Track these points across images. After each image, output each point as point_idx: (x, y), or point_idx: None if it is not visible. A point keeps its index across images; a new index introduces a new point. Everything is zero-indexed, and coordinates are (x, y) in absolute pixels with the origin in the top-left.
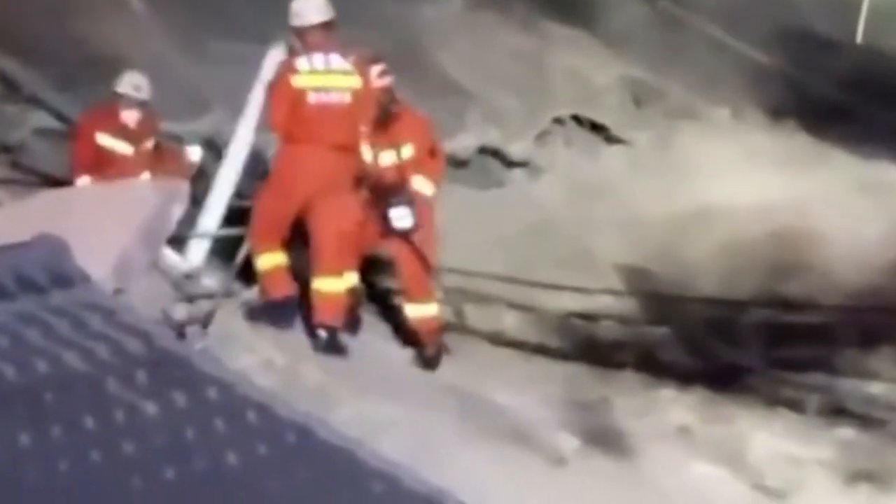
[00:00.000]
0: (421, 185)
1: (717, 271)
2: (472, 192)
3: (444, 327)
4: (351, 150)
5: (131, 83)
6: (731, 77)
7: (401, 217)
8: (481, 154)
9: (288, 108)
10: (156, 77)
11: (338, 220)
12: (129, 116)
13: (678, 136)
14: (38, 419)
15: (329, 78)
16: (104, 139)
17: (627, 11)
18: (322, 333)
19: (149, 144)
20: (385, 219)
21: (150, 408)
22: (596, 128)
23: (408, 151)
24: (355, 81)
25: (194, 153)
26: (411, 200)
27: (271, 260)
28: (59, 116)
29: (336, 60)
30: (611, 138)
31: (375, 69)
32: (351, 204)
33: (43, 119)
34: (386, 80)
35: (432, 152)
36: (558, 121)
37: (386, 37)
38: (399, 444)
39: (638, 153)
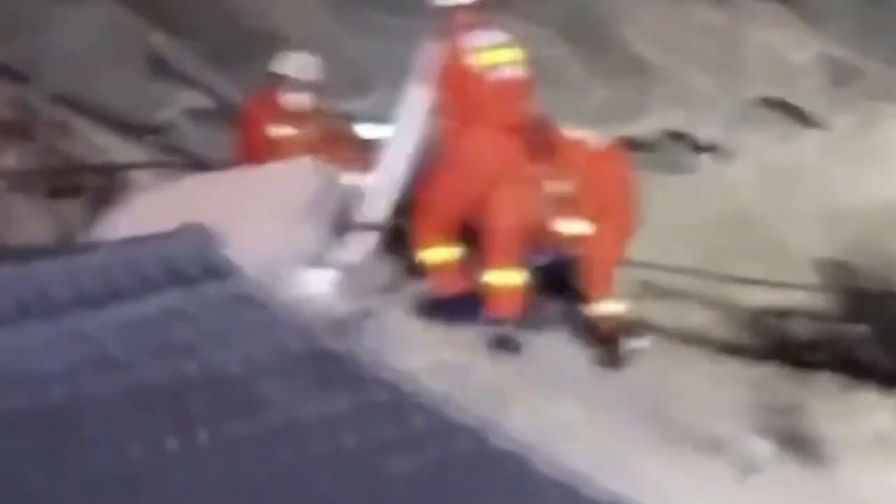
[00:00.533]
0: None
1: None
2: (657, 178)
3: (628, 325)
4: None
5: (297, 64)
6: None
7: None
8: (667, 137)
9: (459, 92)
10: (313, 52)
11: (516, 207)
12: (295, 100)
13: (880, 118)
14: (186, 423)
15: (498, 54)
16: (272, 129)
17: None
18: (497, 330)
19: (319, 129)
20: None
21: (309, 411)
22: (791, 110)
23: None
24: (520, 53)
25: (365, 132)
26: None
27: (442, 254)
28: (212, 95)
29: (498, 35)
30: (807, 121)
31: None
32: (529, 190)
33: (193, 98)
34: None
35: None
36: (751, 102)
37: (563, 10)
38: (577, 449)
39: (836, 137)
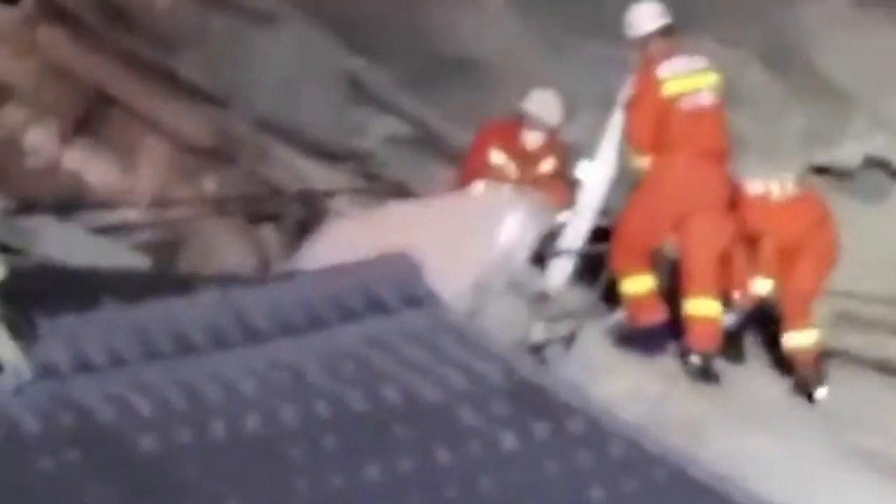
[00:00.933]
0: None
1: None
2: (857, 205)
3: (824, 355)
4: (724, 155)
5: (540, 102)
6: None
7: None
8: (866, 164)
9: (655, 122)
10: (515, 79)
11: (713, 235)
12: (530, 139)
13: None
14: (387, 451)
15: (694, 80)
16: (497, 156)
17: None
18: (695, 359)
19: (544, 169)
20: None
21: (509, 440)
22: None
23: None
24: (716, 78)
25: (583, 171)
26: None
27: (639, 284)
28: (410, 121)
29: (693, 61)
30: None
31: None
32: (725, 218)
33: (393, 125)
34: None
35: None
36: None
37: (762, 36)
38: (774, 480)
39: None
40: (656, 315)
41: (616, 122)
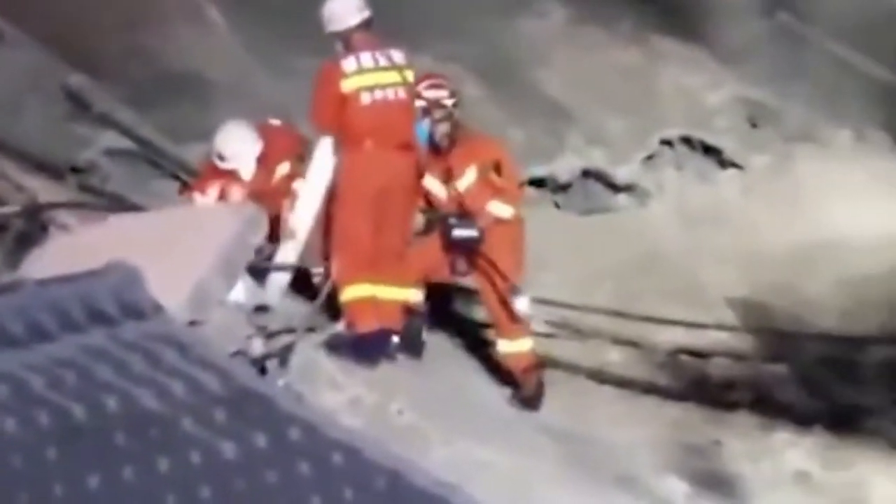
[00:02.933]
0: (496, 208)
1: (838, 306)
2: (575, 218)
3: (541, 364)
4: (412, 147)
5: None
6: (853, 97)
7: (462, 228)
8: (585, 177)
9: (339, 113)
10: (235, 94)
11: (400, 230)
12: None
13: (796, 160)
14: (109, 461)
15: (378, 76)
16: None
17: (743, 25)
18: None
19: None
20: (448, 234)
21: (229, 449)
22: (708, 150)
23: (469, 178)
24: (409, 75)
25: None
26: (474, 218)
27: (359, 290)
28: (131, 136)
29: (382, 57)
30: (724, 162)
31: (428, 81)
32: (411, 216)
33: (114, 139)
34: (437, 94)
35: (498, 171)
36: (667, 143)
37: (481, 52)
38: (495, 488)
39: (753, 178)
40: (373, 322)
41: (326, 143)
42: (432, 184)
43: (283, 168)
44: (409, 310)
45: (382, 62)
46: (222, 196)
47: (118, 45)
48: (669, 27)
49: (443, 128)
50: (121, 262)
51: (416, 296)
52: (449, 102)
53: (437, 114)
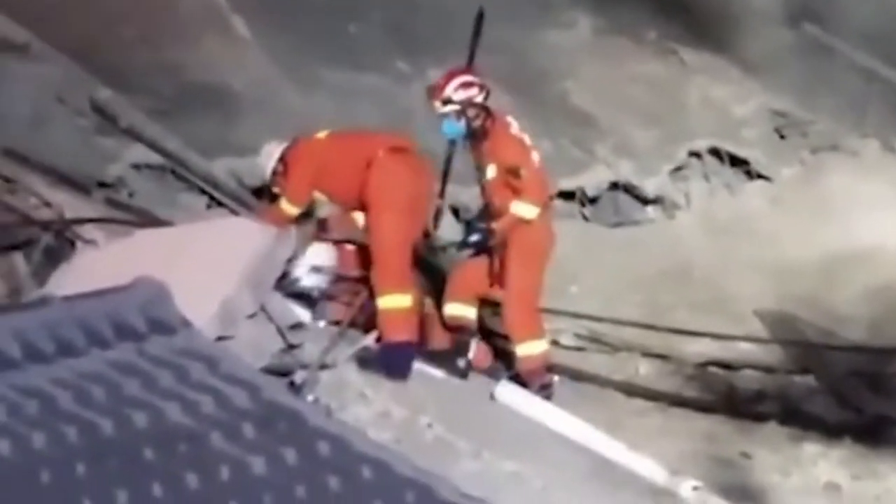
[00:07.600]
0: (518, 208)
1: (867, 317)
2: (603, 230)
3: (551, 367)
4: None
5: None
6: (881, 107)
7: (474, 232)
8: (612, 190)
9: None
10: (262, 107)
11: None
12: None
13: (824, 171)
14: (138, 477)
15: None
16: None
17: (770, 37)
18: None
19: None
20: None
21: (258, 465)
22: (736, 162)
23: (490, 173)
24: None
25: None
26: (485, 218)
27: (397, 301)
28: (158, 150)
29: None
30: (751, 173)
31: (455, 81)
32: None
33: (141, 153)
34: (468, 94)
35: (514, 173)
36: (695, 154)
37: (507, 64)
38: (523, 502)
39: (781, 189)
40: (405, 333)
41: None
42: None
43: None
44: (460, 328)
45: None
46: None
47: (145, 58)
48: (696, 38)
49: (478, 121)
50: (148, 277)
51: (469, 313)
52: (480, 99)
53: (471, 112)
